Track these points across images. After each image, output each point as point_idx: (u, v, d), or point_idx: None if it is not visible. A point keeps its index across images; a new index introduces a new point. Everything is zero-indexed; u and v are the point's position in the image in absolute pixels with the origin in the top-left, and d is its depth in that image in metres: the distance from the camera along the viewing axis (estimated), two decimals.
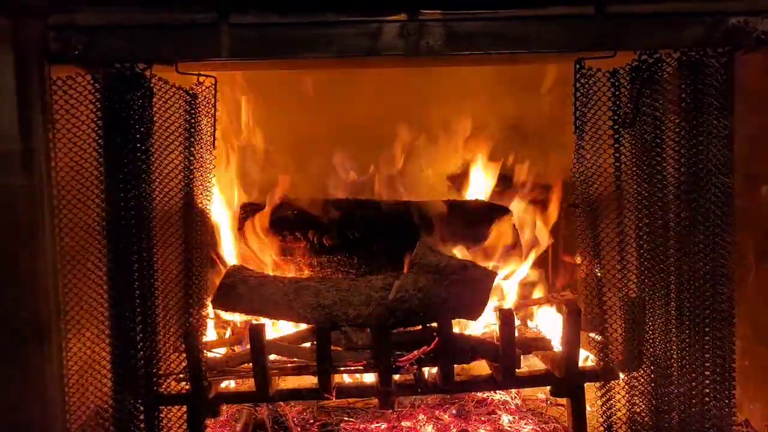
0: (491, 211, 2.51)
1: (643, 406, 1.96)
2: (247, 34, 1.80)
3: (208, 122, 1.96)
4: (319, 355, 1.96)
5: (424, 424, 2.22)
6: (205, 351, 1.98)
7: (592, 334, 2.00)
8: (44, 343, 1.77)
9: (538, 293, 2.68)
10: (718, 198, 1.87)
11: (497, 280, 2.29)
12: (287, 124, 2.72)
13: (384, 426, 2.22)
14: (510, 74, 2.59)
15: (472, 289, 2.05)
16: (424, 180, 2.80)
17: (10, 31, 1.70)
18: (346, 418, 2.27)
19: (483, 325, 2.40)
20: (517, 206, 2.63)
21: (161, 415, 1.93)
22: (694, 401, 1.92)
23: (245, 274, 2.19)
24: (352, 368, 2.03)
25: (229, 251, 2.52)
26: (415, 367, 2.00)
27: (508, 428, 2.21)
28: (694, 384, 1.92)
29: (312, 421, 2.25)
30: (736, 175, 1.90)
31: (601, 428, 2.00)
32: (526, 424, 2.23)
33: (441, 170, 2.83)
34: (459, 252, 2.39)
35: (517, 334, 2.02)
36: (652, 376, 1.95)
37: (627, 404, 1.98)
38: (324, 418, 2.28)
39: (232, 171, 2.61)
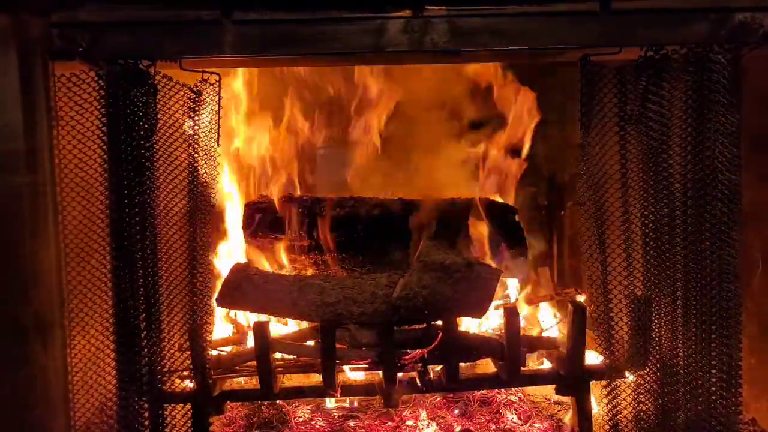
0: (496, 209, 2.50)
1: (649, 405, 1.95)
2: (251, 30, 1.80)
3: (212, 119, 1.95)
4: (324, 353, 1.96)
5: (428, 424, 2.21)
6: (209, 349, 1.98)
7: (597, 333, 2.00)
8: (48, 340, 1.77)
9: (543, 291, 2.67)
10: (725, 195, 1.86)
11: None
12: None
13: (388, 424, 2.22)
14: None
15: (477, 287, 2.04)
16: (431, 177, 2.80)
17: (14, 29, 1.70)
18: (349, 417, 2.27)
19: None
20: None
21: (166, 412, 1.93)
22: (700, 399, 1.91)
23: (250, 272, 2.19)
24: (357, 366, 2.02)
25: (234, 249, 2.52)
26: (420, 365, 2.00)
27: (512, 427, 2.20)
28: (700, 382, 1.90)
29: (315, 419, 2.25)
30: (743, 172, 1.88)
31: (607, 427, 1.99)
32: (530, 423, 2.22)
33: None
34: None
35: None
36: (658, 374, 1.94)
37: (633, 403, 1.97)
38: (327, 416, 2.28)
39: (238, 168, 2.61)
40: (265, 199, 2.61)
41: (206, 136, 1.95)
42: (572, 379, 2.02)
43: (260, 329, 1.94)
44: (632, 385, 1.97)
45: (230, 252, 2.53)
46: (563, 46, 1.89)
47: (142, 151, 1.83)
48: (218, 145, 1.98)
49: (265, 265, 2.46)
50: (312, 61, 2.33)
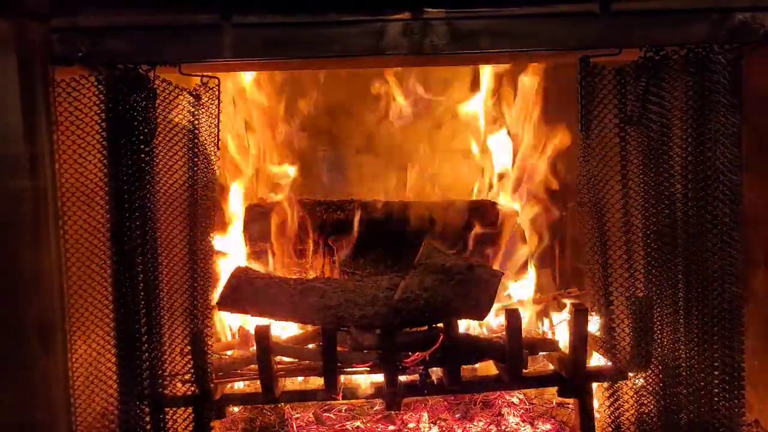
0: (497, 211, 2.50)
1: (652, 407, 1.95)
2: (250, 34, 1.80)
3: (211, 123, 1.95)
4: (325, 356, 1.96)
5: (429, 426, 2.21)
6: (211, 353, 1.98)
7: (599, 334, 1.99)
8: (49, 345, 1.77)
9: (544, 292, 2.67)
10: (727, 196, 1.86)
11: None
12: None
13: (390, 428, 2.22)
14: None
15: (478, 289, 2.03)
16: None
17: (14, 34, 1.69)
18: (351, 419, 2.27)
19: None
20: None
21: (167, 416, 1.93)
22: (702, 401, 1.91)
23: (251, 275, 2.19)
24: (359, 369, 2.02)
25: (234, 253, 2.51)
26: (422, 367, 1.99)
27: (514, 429, 2.20)
28: (702, 384, 1.90)
29: (316, 422, 2.25)
30: (744, 173, 1.88)
31: (609, 429, 1.98)
32: (532, 425, 2.22)
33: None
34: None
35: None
36: (661, 376, 1.93)
37: (635, 405, 1.96)
38: (329, 419, 2.28)
39: (238, 171, 2.61)
40: (265, 202, 2.61)
41: (206, 139, 1.95)
42: (575, 381, 2.01)
43: (261, 333, 1.94)
44: (634, 386, 1.96)
45: (231, 255, 2.53)
46: (563, 47, 1.88)
47: (142, 156, 1.83)
48: (218, 148, 1.98)
49: (265, 268, 2.46)
50: (311, 64, 2.33)
